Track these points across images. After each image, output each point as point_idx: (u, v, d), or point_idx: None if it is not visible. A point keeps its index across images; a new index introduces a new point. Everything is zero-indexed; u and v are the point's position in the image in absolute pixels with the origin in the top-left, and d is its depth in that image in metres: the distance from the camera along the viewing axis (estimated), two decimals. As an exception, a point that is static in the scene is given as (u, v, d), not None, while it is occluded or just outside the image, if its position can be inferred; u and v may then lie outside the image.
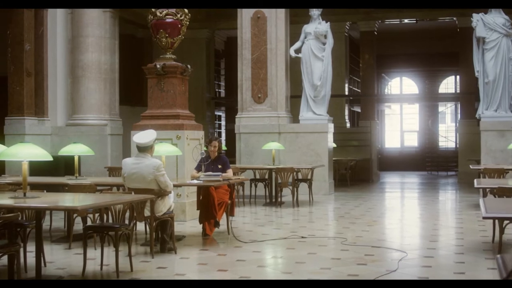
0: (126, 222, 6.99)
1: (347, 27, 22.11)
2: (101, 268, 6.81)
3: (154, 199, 7.26)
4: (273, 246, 8.43)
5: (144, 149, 7.43)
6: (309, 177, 13.85)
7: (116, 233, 6.30)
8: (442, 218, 11.68)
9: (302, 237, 8.86)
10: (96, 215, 7.68)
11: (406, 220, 11.44)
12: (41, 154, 5.84)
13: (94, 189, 8.11)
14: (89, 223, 8.13)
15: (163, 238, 7.75)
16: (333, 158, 16.68)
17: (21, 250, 6.56)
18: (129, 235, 6.58)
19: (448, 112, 31.04)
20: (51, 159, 5.88)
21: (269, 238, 8.84)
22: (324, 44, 15.90)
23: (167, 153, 8.84)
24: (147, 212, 7.48)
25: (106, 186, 8.67)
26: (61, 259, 7.51)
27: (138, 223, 8.17)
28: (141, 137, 7.47)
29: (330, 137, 16.03)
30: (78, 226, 8.74)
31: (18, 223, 6.48)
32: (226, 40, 25.48)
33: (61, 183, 8.63)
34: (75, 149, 9.23)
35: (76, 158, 9.15)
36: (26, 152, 5.74)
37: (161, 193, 7.51)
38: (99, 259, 6.90)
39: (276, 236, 9.06)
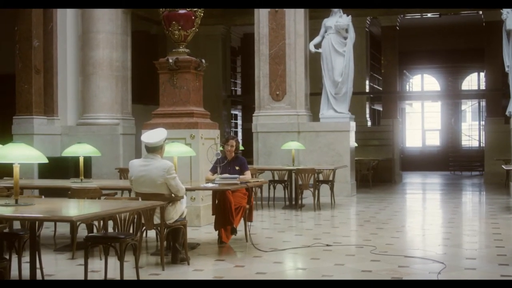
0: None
1: (368, 22, 21.30)
2: (105, 282, 6.10)
3: (164, 205, 6.54)
4: (295, 255, 7.68)
5: (154, 150, 6.70)
6: (330, 178, 13.09)
7: (121, 245, 5.58)
8: (475, 222, 10.87)
9: (327, 245, 8.11)
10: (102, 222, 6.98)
11: (437, 225, 10.60)
12: (34, 155, 5.15)
13: (99, 193, 7.40)
14: (94, 230, 7.47)
15: (175, 247, 7.02)
16: (355, 158, 15.90)
17: (17, 262, 5.92)
18: (135, 247, 5.87)
19: (468, 111, 30.14)
20: (45, 161, 5.20)
21: (291, 247, 8.09)
22: (345, 38, 15.14)
23: (180, 153, 8.12)
24: (156, 220, 6.76)
25: (112, 190, 7.96)
26: (62, 271, 6.82)
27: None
28: (150, 136, 6.75)
29: (352, 136, 15.26)
30: (83, 232, 8.06)
31: (13, 233, 5.80)
32: (242, 37, 24.77)
33: (65, 186, 7.93)
34: (80, 150, 8.53)
35: (81, 160, 8.46)
36: (17, 153, 5.05)
37: (172, 198, 6.79)
38: (103, 272, 6.20)
39: (298, 243, 8.32)
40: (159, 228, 6.79)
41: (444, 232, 9.57)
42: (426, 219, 11.40)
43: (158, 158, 6.70)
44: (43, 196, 6.19)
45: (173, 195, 6.79)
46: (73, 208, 5.42)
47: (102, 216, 4.96)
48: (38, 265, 6.04)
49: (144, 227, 6.80)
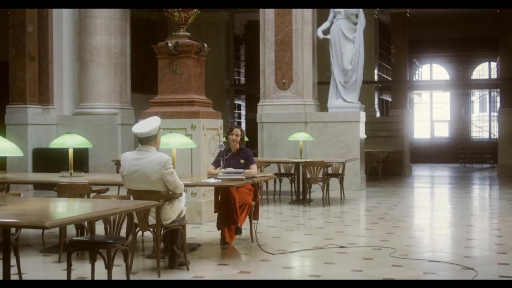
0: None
1: (377, 9, 20.48)
2: (93, 292, 5.36)
3: (160, 205, 5.78)
4: (306, 259, 6.91)
5: (146, 141, 5.90)
6: (340, 171, 12.34)
7: (109, 251, 4.83)
8: (497, 220, 10.05)
9: (341, 247, 7.36)
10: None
11: (457, 223, 9.72)
12: (7, 148, 4.40)
13: (88, 189, 6.65)
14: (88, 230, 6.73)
15: (173, 250, 6.26)
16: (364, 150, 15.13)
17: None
18: (126, 252, 5.12)
19: (477, 101, 29.33)
20: (20, 154, 4.46)
21: (301, 248, 7.33)
22: (355, 24, 14.37)
23: (179, 145, 7.35)
24: (152, 220, 6.00)
25: (104, 185, 7.21)
26: (46, 277, 6.06)
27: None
28: (141, 125, 5.97)
29: (362, 126, 14.49)
30: (74, 230, 7.33)
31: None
32: (246, 24, 23.97)
33: (51, 182, 7.17)
34: (69, 141, 7.77)
35: (70, 152, 7.70)
36: (-14, 146, 4.31)
37: (170, 196, 6.03)
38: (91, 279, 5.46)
39: (308, 244, 7.55)
40: (154, 229, 6.03)
41: (466, 231, 8.78)
42: (444, 216, 10.58)
43: (153, 151, 5.91)
44: (22, 194, 5.44)
45: (170, 192, 6.02)
46: (51, 210, 4.65)
47: (82, 220, 4.21)
48: (16, 270, 5.37)
49: (137, 228, 6.05)
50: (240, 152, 7.94)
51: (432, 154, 26.59)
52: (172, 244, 6.24)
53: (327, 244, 7.52)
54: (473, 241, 8.01)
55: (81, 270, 6.18)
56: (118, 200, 5.21)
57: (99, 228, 5.75)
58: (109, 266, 4.83)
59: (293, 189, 12.31)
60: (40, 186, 13.28)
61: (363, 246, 7.52)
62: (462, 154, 25.80)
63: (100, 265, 5.32)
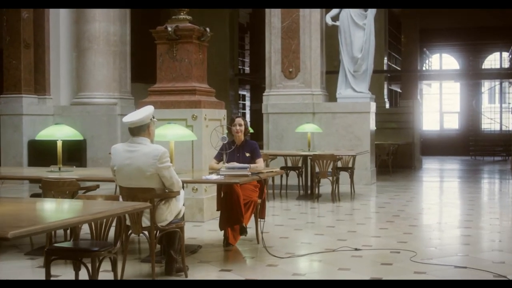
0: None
1: (387, -3, 19.74)
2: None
3: (152, 207, 5.09)
4: (318, 264, 6.24)
5: (138, 131, 5.23)
6: (350, 165, 11.68)
7: (93, 260, 4.18)
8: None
9: (356, 249, 6.69)
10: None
11: (479, 222, 8.88)
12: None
13: (76, 186, 5.99)
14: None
15: (170, 255, 5.61)
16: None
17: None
18: (115, 260, 4.46)
19: (486, 92, 28.61)
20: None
21: (312, 251, 6.65)
22: (365, 10, 13.65)
23: (178, 137, 6.66)
24: (146, 221, 5.34)
25: (94, 181, 6.55)
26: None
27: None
28: (132, 115, 5.32)
29: (372, 118, 13.82)
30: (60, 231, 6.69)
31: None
32: (251, 12, 23.27)
33: (38, 177, 6.52)
34: (58, 133, 7.11)
35: (59, 144, 7.04)
36: None
37: (166, 195, 5.36)
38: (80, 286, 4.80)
39: (320, 246, 6.88)
40: (148, 232, 5.36)
41: (489, 231, 8.08)
42: (462, 214, 9.88)
43: (147, 142, 5.23)
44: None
45: (166, 190, 5.35)
46: (23, 214, 3.95)
47: (55, 228, 3.54)
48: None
49: (130, 231, 5.39)
50: (245, 145, 7.26)
51: (442, 146, 25.91)
52: (169, 248, 5.58)
53: (340, 246, 6.84)
54: (499, 243, 7.36)
55: (69, 276, 5.52)
56: (105, 201, 4.55)
57: (87, 228, 5.11)
58: (93, 276, 4.17)
59: (301, 184, 11.66)
60: (36, 181, 12.68)
61: (379, 248, 6.83)
62: (472, 147, 25.13)
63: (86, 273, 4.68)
